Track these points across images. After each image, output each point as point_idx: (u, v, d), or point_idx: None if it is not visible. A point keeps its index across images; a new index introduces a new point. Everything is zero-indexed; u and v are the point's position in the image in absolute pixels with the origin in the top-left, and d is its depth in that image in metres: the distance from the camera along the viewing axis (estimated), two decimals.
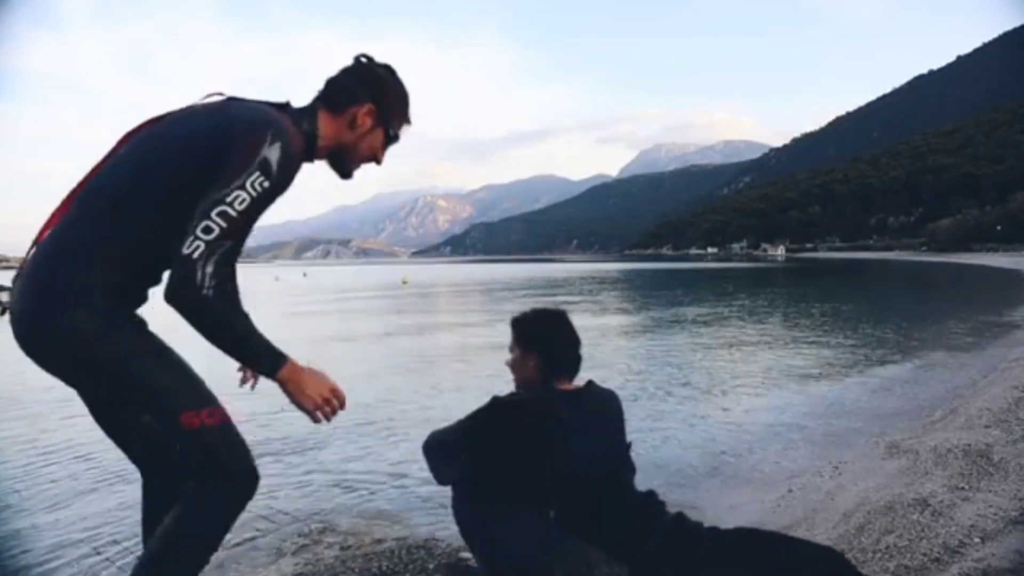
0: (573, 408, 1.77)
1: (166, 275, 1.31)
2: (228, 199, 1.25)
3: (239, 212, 1.25)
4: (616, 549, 1.69)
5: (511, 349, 1.93)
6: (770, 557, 1.62)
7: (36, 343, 1.31)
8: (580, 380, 1.95)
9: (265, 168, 1.27)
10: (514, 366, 1.92)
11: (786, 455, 4.29)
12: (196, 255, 1.23)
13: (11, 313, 1.33)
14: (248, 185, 1.26)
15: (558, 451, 1.71)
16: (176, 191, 1.30)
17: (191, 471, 1.45)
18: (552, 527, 1.68)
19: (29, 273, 1.30)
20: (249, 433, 4.95)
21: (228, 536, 3.05)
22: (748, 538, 1.72)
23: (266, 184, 1.28)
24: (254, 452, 4.39)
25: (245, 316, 1.40)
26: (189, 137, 1.33)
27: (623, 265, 79.99)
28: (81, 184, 1.37)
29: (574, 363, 1.88)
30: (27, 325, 1.30)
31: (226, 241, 1.25)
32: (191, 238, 1.23)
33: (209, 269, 1.24)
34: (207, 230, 1.23)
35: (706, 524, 1.81)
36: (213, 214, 1.24)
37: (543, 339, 1.86)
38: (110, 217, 1.31)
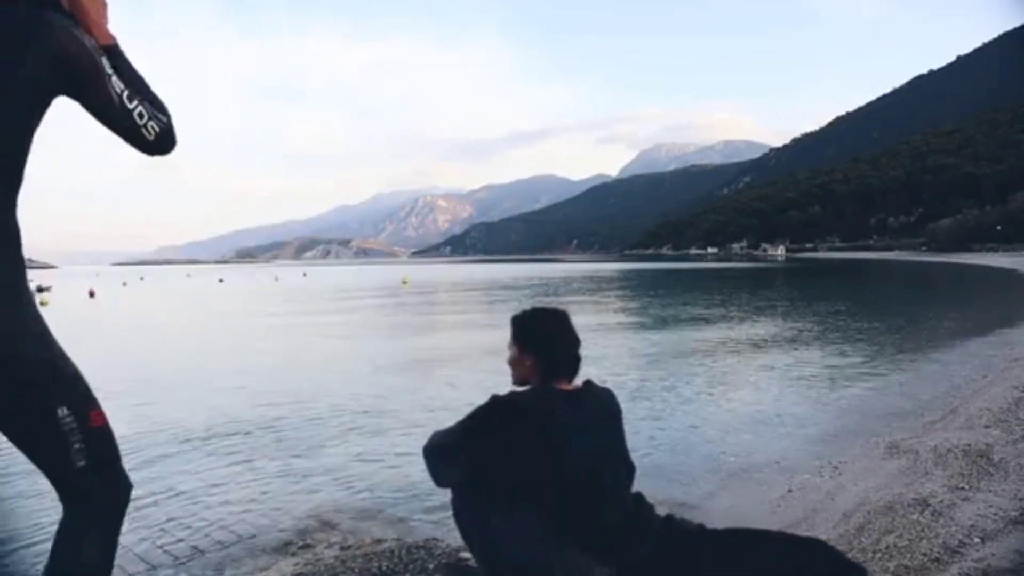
0: (572, 408, 1.76)
1: None
2: (119, 92, 1.28)
3: (125, 85, 1.30)
4: (610, 551, 1.69)
5: (510, 346, 1.93)
6: (763, 556, 1.63)
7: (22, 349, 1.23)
8: (580, 379, 1.95)
9: (99, 50, 1.29)
10: (513, 363, 1.91)
11: (786, 455, 4.29)
12: (159, 128, 1.33)
13: None
14: (106, 68, 1.28)
15: (557, 451, 1.71)
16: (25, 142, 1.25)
17: (85, 477, 1.34)
18: (552, 527, 1.68)
19: None
20: (250, 434, 4.98)
21: (230, 536, 3.08)
22: (739, 537, 1.72)
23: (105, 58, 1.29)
24: (255, 453, 4.47)
25: (136, 93, 1.33)
26: (64, 58, 1.23)
27: (623, 265, 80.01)
28: None
29: (573, 363, 1.87)
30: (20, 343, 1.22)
31: (144, 100, 1.31)
32: (140, 128, 1.31)
33: (163, 119, 1.34)
34: (140, 115, 1.30)
35: (704, 524, 1.81)
36: (127, 104, 1.29)
37: (542, 339, 1.86)
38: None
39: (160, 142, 1.35)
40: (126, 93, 1.29)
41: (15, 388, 1.22)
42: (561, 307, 2.00)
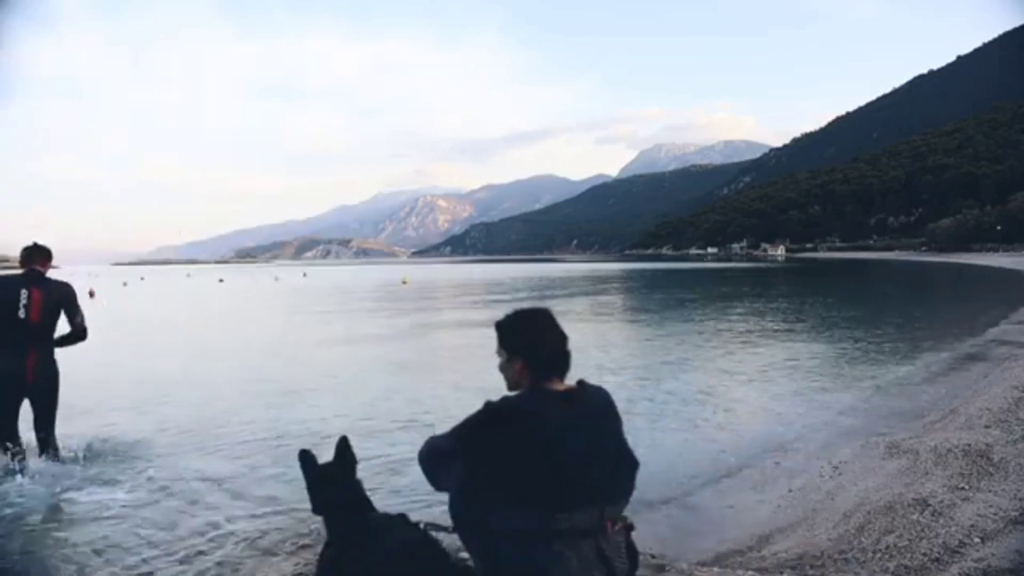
0: (566, 408, 1.76)
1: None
2: (80, 308, 4.13)
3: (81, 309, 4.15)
4: (606, 550, 1.70)
5: (498, 352, 1.91)
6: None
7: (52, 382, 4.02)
8: (585, 378, 1.94)
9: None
10: (503, 369, 1.90)
11: (786, 455, 4.29)
12: (84, 323, 4.11)
13: (43, 376, 3.96)
14: (80, 305, 4.16)
15: (552, 452, 1.70)
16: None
17: (53, 432, 4.11)
18: (549, 527, 1.68)
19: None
20: (250, 434, 4.97)
21: (230, 536, 3.07)
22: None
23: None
24: (256, 454, 4.48)
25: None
26: (63, 299, 4.05)
27: (623, 265, 79.95)
28: (40, 320, 3.92)
29: (561, 362, 1.86)
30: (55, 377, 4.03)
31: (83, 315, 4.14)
32: (80, 317, 4.10)
33: (85, 322, 4.14)
34: (81, 313, 4.11)
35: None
36: (80, 311, 4.12)
37: (527, 341, 1.85)
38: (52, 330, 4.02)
39: (85, 328, 4.12)
40: (80, 311, 4.13)
41: (52, 394, 4.03)
42: (543, 306, 1.96)
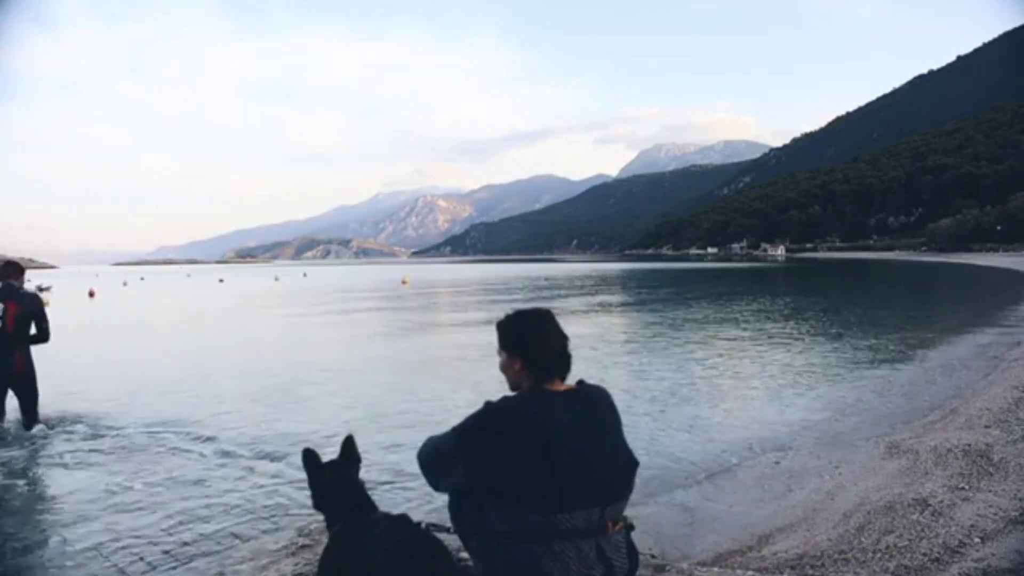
0: (566, 409, 1.76)
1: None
2: (46, 317, 4.95)
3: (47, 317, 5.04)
4: (605, 550, 1.70)
5: (499, 352, 1.91)
6: None
7: (32, 375, 4.95)
8: (586, 378, 1.94)
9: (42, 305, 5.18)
10: (504, 369, 1.90)
11: (786, 455, 4.29)
12: (49, 328, 4.97)
13: (25, 371, 4.87)
14: (46, 313, 5.03)
15: (552, 452, 1.70)
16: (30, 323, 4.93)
17: (37, 411, 4.98)
18: (549, 527, 1.68)
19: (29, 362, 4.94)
20: (250, 434, 4.98)
21: (230, 536, 3.08)
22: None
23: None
24: (257, 453, 4.46)
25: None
26: (34, 310, 4.90)
27: (623, 265, 79.91)
28: (14, 328, 4.75)
29: (562, 363, 1.85)
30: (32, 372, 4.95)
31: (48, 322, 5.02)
32: (46, 324, 4.94)
33: (50, 328, 5.00)
34: (47, 320, 4.95)
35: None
36: (46, 319, 4.94)
37: (527, 341, 1.85)
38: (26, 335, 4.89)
39: (49, 333, 4.97)
40: (46, 318, 4.96)
41: (31, 383, 4.90)
42: (545, 307, 1.95)
